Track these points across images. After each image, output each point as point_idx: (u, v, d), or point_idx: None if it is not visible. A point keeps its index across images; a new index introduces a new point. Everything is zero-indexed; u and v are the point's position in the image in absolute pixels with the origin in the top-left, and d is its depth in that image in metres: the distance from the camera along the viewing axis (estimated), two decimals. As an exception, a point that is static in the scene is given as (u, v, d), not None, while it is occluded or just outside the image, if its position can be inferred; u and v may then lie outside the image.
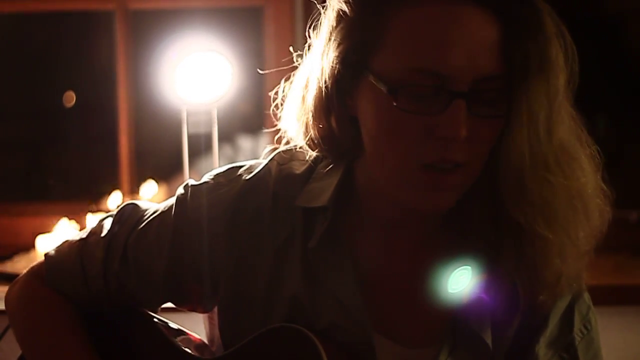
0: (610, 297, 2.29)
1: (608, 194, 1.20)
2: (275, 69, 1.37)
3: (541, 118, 1.10)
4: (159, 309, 1.38)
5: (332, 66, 1.16)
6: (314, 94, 1.19)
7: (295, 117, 1.25)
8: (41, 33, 3.09)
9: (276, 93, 1.28)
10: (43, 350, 1.31)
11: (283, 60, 1.29)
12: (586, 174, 1.15)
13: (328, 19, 1.18)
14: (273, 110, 1.29)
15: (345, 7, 1.15)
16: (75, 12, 2.98)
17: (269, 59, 2.78)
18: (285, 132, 1.28)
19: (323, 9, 1.20)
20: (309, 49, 1.23)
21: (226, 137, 2.85)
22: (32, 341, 1.33)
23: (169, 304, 1.35)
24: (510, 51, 1.10)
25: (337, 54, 1.15)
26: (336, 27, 1.16)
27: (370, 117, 1.14)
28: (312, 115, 1.21)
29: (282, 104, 1.27)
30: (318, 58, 1.19)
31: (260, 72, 1.59)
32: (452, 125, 1.09)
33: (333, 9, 1.17)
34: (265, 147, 1.35)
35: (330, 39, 1.17)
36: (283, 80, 1.27)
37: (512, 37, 1.10)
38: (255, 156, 2.85)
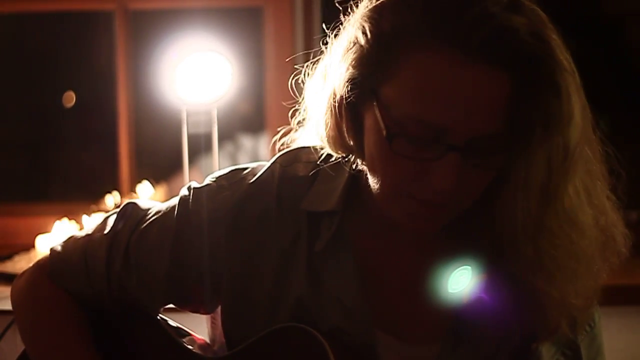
0: (610, 297, 2.28)
1: (627, 235, 1.20)
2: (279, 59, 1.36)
3: (536, 185, 1.09)
4: (161, 309, 1.38)
5: (343, 84, 1.14)
6: (329, 94, 1.18)
7: (310, 109, 1.24)
8: (41, 33, 3.09)
9: (299, 74, 1.26)
10: (44, 346, 1.31)
11: (287, 59, 1.27)
12: (589, 237, 1.14)
13: (347, 33, 1.15)
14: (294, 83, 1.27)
15: (361, 37, 1.12)
16: (75, 12, 2.98)
17: (269, 59, 2.78)
18: (305, 115, 1.27)
19: (345, 14, 1.17)
20: (328, 49, 1.20)
21: (226, 137, 2.85)
22: (34, 337, 1.33)
23: (171, 305, 1.35)
24: (516, 111, 1.07)
25: (348, 77, 1.13)
26: (352, 49, 1.13)
27: (369, 140, 1.14)
28: (325, 114, 1.19)
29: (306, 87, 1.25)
30: (336, 63, 1.17)
31: (288, 62, 1.55)
32: (443, 177, 1.08)
33: (352, 28, 1.14)
34: (265, 147, 1.35)
35: (344, 61, 1.14)
36: (310, 58, 1.24)
37: (521, 98, 1.07)
38: (255, 156, 2.85)
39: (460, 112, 1.06)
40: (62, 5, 2.94)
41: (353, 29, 1.14)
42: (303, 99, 1.26)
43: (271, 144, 1.36)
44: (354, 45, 1.13)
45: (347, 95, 1.14)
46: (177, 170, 2.78)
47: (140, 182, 2.85)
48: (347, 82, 1.13)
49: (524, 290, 1.14)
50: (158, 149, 3.04)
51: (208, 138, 2.35)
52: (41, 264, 1.37)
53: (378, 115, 1.10)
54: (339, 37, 1.18)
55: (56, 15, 2.99)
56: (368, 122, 1.14)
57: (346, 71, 1.13)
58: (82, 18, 3.00)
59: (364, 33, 1.11)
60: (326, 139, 1.21)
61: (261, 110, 2.83)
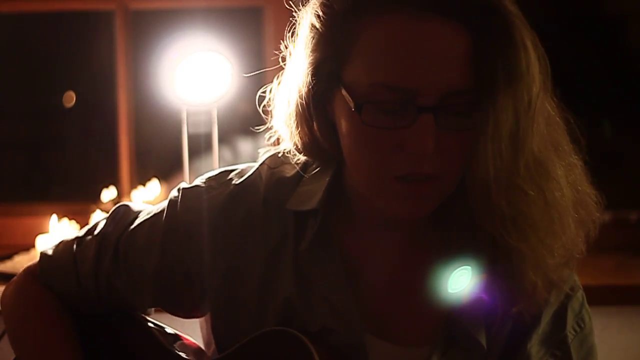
0: (610, 297, 2.28)
1: (599, 199, 1.19)
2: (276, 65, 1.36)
3: (506, 132, 1.08)
4: (152, 311, 1.38)
5: (307, 76, 1.16)
6: (295, 101, 1.19)
7: (282, 121, 1.24)
8: (41, 33, 3.09)
9: (267, 92, 1.27)
10: (31, 346, 1.32)
11: (285, 54, 1.27)
12: (561, 187, 1.13)
13: (303, 28, 1.18)
14: (264, 107, 1.28)
15: (316, 21, 1.15)
16: (75, 12, 2.98)
17: (269, 59, 2.78)
18: (277, 132, 1.28)
19: (298, 16, 1.19)
20: (289, 55, 1.22)
21: (226, 137, 2.85)
22: (21, 337, 1.34)
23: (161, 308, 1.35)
24: (478, 64, 1.08)
25: (310, 65, 1.15)
26: (308, 38, 1.16)
27: (343, 129, 1.14)
28: (295, 122, 1.21)
29: (272, 103, 1.27)
30: (296, 66, 1.19)
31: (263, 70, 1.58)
32: (419, 140, 1.08)
33: (307, 20, 1.17)
34: (262, 148, 1.34)
35: (304, 50, 1.16)
36: (275, 79, 1.26)
37: (480, 50, 1.08)
38: (255, 156, 2.85)
39: (423, 70, 1.07)
40: (62, 5, 2.94)
41: (308, 18, 1.16)
42: (273, 116, 1.26)
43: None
44: (311, 32, 1.15)
45: (312, 87, 1.15)
46: (177, 170, 2.78)
47: (140, 182, 2.86)
48: (310, 70, 1.14)
49: (500, 255, 1.13)
50: (158, 149, 3.04)
51: (208, 138, 2.35)
52: (31, 269, 1.38)
53: (345, 94, 1.11)
54: (298, 32, 1.19)
55: (56, 15, 2.99)
56: (338, 112, 1.14)
57: (309, 60, 1.15)
58: (82, 18, 3.00)
59: (318, 17, 1.14)
60: (302, 147, 1.22)
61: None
